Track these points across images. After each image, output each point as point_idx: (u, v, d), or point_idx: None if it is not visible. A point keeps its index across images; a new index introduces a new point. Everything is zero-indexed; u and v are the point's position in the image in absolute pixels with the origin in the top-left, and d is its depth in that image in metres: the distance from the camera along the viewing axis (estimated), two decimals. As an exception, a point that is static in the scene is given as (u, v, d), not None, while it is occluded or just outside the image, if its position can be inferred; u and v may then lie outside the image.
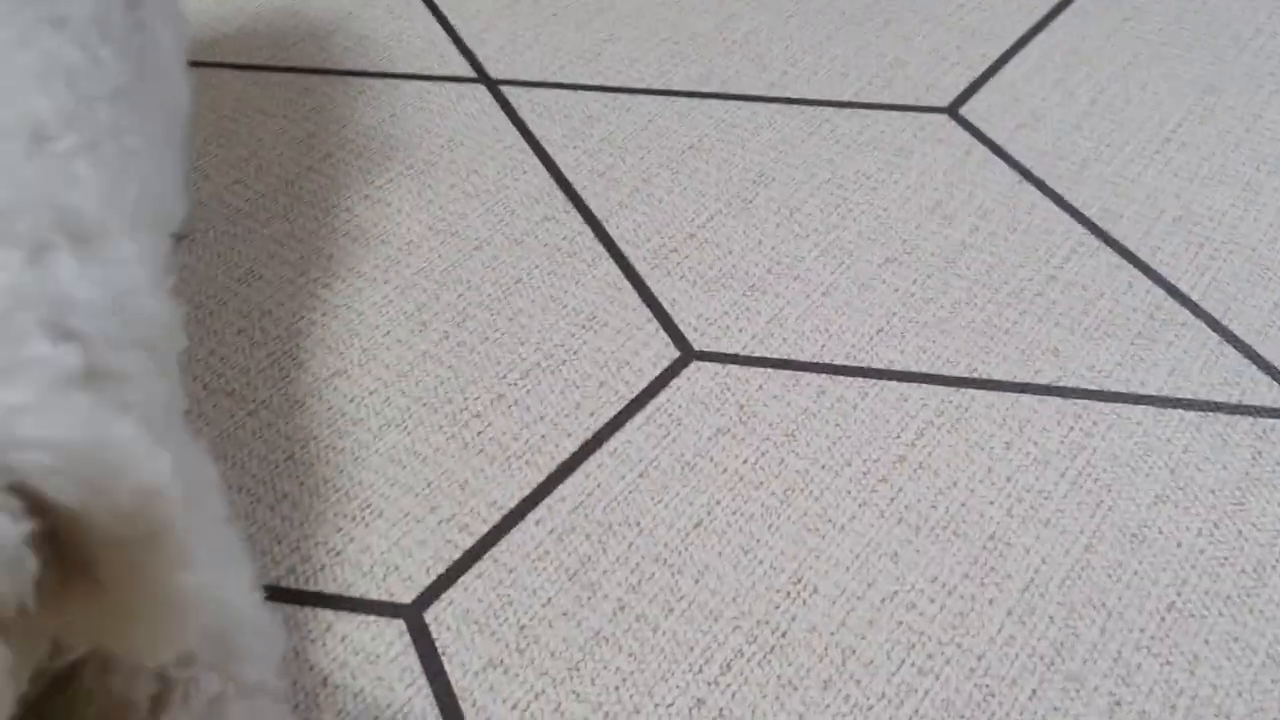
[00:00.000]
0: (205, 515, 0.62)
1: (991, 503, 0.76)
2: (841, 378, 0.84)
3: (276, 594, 0.71)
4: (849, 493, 0.76)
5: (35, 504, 0.39)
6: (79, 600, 0.42)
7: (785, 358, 0.85)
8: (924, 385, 0.83)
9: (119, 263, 0.56)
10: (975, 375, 0.84)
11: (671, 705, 0.66)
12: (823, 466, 0.78)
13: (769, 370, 0.84)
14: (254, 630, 0.58)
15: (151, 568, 0.41)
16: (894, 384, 0.83)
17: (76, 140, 0.58)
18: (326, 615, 0.70)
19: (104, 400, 0.44)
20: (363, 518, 0.76)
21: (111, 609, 0.42)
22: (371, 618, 0.70)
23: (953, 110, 1.07)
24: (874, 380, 0.83)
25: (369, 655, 0.68)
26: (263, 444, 0.80)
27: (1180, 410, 0.81)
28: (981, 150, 1.03)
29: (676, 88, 1.10)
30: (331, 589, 0.72)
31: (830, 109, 1.07)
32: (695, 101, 1.08)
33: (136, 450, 0.41)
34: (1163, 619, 0.69)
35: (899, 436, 0.80)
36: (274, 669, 0.58)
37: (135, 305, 0.56)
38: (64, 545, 0.40)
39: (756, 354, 0.85)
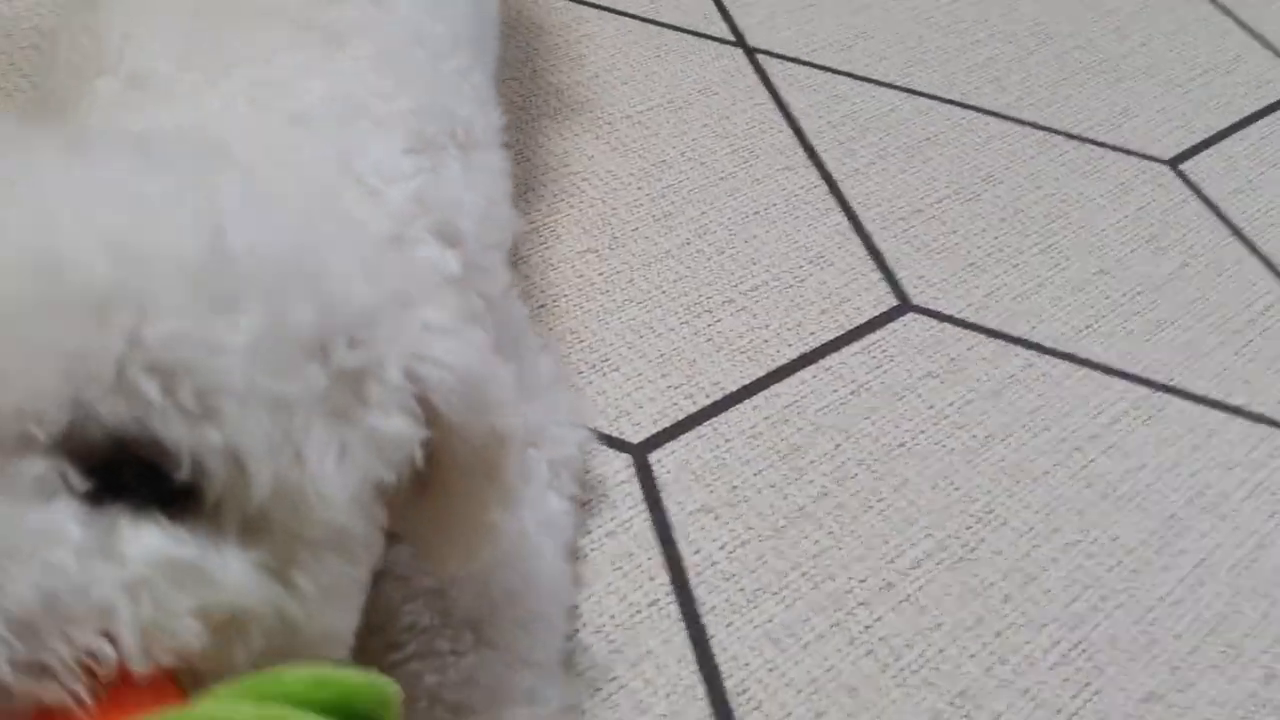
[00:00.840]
0: (524, 346, 0.72)
1: (1175, 490, 0.81)
2: (1049, 357, 0.90)
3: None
4: (1045, 451, 0.82)
5: (430, 415, 0.45)
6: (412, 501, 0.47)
7: (998, 329, 0.91)
8: (1125, 381, 0.89)
9: (490, 172, 0.65)
10: (1173, 384, 0.89)
11: (864, 582, 0.72)
12: (1023, 425, 0.84)
13: (981, 335, 0.91)
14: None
15: (479, 498, 0.48)
16: (1097, 374, 0.89)
17: (464, 60, 0.69)
18: (563, 436, 0.78)
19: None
20: (601, 368, 0.83)
21: (431, 519, 0.48)
22: (602, 447, 0.78)
23: (1174, 164, 1.13)
24: (1079, 366, 0.89)
25: (598, 475, 0.76)
26: (521, 292, 0.88)
27: (1363, 455, 0.86)
28: (1197, 204, 1.09)
29: (918, 88, 1.17)
30: (569, 417, 0.79)
31: (1060, 136, 1.14)
32: (935, 103, 1.16)
33: (508, 395, 0.47)
34: (1324, 619, 0.74)
35: (1096, 417, 0.85)
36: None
37: (496, 212, 0.65)
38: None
39: (971, 320, 0.92)
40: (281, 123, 0.56)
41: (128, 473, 0.38)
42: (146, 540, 0.37)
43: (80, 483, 0.37)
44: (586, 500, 0.73)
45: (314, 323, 0.41)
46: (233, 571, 0.39)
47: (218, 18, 0.61)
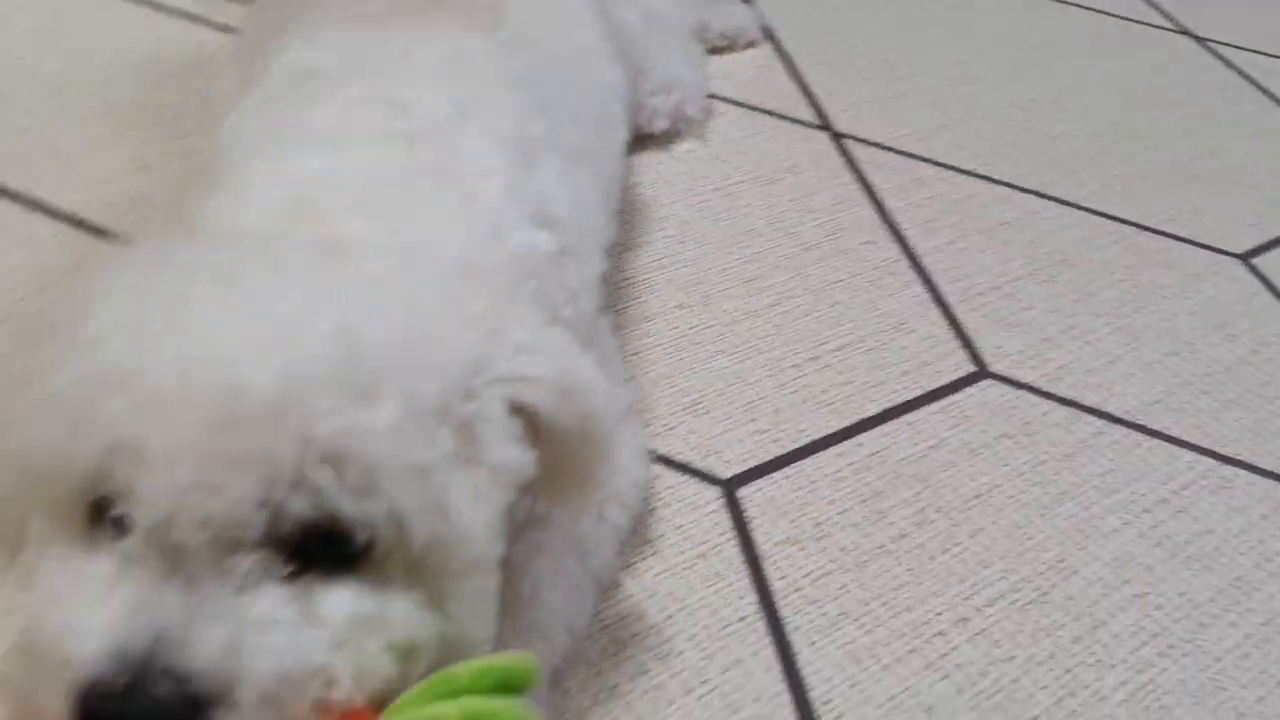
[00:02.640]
0: (612, 375, 0.77)
1: (1243, 554, 0.84)
2: (1120, 426, 0.93)
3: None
4: (1115, 511, 0.86)
5: (529, 419, 0.54)
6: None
7: (1071, 398, 0.95)
8: (1193, 453, 0.92)
9: (587, 182, 0.77)
10: (1241, 458, 0.92)
11: (940, 614, 0.76)
12: (1094, 486, 0.87)
13: (1054, 404, 0.95)
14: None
15: (582, 458, 0.57)
16: (1166, 444, 0.92)
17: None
18: (657, 468, 0.83)
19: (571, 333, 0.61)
20: (693, 409, 0.88)
21: (552, 480, 0.57)
22: (694, 480, 0.82)
23: (1245, 258, 1.17)
24: (1149, 436, 0.93)
25: (690, 504, 0.80)
26: (619, 339, 0.93)
27: None
28: (1267, 297, 1.13)
29: (996, 177, 1.23)
30: (663, 450, 0.84)
31: (1133, 228, 1.19)
32: (1012, 191, 1.21)
33: (589, 382, 0.56)
34: (1390, 682, 0.76)
35: (1166, 484, 0.89)
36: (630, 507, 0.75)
37: (592, 211, 0.77)
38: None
39: (1045, 388, 0.96)
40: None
41: (315, 546, 0.47)
42: (338, 602, 0.47)
43: (281, 569, 0.46)
44: (638, 530, 0.78)
45: (437, 392, 0.50)
46: (403, 612, 0.48)
47: None
